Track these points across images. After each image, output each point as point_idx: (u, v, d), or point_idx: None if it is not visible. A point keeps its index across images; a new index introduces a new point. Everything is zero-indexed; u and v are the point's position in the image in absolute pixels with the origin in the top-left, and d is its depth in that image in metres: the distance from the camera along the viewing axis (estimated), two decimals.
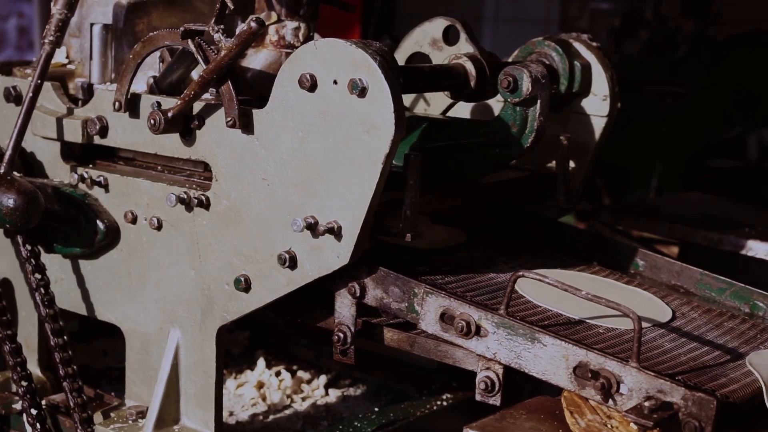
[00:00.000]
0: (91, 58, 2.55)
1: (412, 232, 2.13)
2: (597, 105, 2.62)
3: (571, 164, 2.66)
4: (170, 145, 2.32)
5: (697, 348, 2.12)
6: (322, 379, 3.07)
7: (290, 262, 2.16)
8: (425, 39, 2.78)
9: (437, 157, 2.41)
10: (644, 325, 2.15)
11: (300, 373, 3.11)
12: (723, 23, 5.60)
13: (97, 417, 2.45)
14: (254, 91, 2.31)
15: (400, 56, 2.81)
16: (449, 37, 2.73)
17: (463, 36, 2.67)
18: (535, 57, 2.60)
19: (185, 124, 2.27)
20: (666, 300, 2.37)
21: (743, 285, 2.40)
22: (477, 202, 2.52)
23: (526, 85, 2.32)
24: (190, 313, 2.35)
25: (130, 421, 2.43)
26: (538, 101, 2.34)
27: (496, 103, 2.70)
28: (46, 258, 2.47)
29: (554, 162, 2.64)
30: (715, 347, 2.13)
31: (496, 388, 2.07)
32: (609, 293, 2.15)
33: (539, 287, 2.17)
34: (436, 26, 2.75)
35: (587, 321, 2.14)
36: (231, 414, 2.85)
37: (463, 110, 2.80)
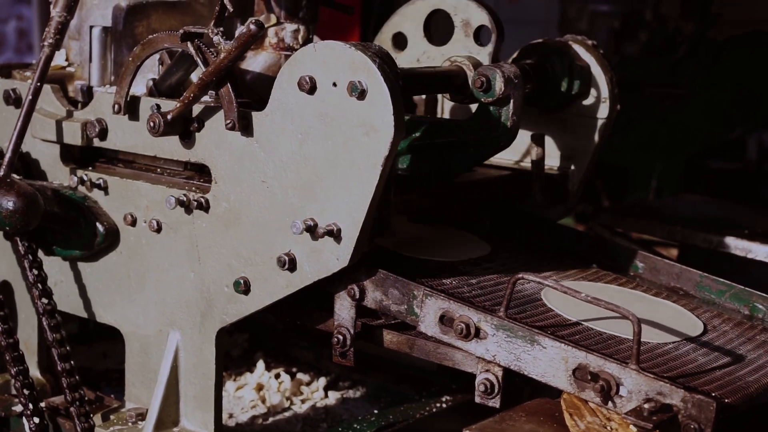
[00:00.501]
0: (90, 60, 2.55)
1: (386, 230, 2.14)
2: (596, 107, 2.62)
3: (556, 164, 2.67)
4: (170, 147, 2.32)
5: (731, 362, 2.08)
6: (322, 381, 3.07)
7: (290, 264, 2.16)
8: (460, 13, 2.67)
9: (413, 155, 2.40)
10: (675, 339, 2.13)
11: (299, 375, 3.11)
12: (723, 24, 5.60)
13: (97, 419, 2.45)
14: (253, 94, 2.31)
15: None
16: (480, 37, 2.67)
17: (490, 46, 2.62)
18: (536, 59, 2.60)
19: (184, 127, 2.27)
20: (696, 313, 2.33)
21: (743, 287, 2.39)
22: (457, 200, 2.52)
23: (498, 85, 2.33)
24: (189, 315, 2.35)
25: (130, 423, 2.43)
26: (512, 101, 2.35)
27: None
28: (45, 260, 2.47)
29: (558, 162, 2.67)
30: (749, 361, 2.10)
31: (496, 391, 2.06)
32: (638, 306, 2.14)
33: (566, 300, 2.16)
34: (478, 15, 2.65)
35: (616, 334, 2.12)
36: (230, 416, 2.86)
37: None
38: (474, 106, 2.51)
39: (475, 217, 2.72)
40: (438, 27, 2.77)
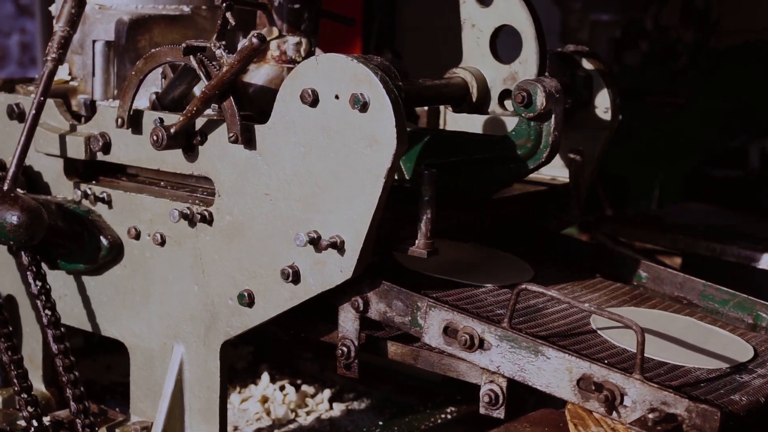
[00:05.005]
0: (93, 74, 2.56)
1: (428, 248, 2.12)
2: (598, 116, 2.62)
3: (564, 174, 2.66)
4: (173, 160, 2.33)
5: None
6: (327, 393, 3.07)
7: (293, 276, 2.17)
8: None
9: (451, 172, 2.39)
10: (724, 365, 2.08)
11: (304, 387, 3.11)
12: (723, 33, 5.60)
13: None
14: (256, 107, 2.31)
15: None
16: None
17: None
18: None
19: (188, 140, 2.28)
20: (746, 338, 2.25)
21: (746, 296, 2.39)
22: (489, 216, 2.50)
23: (540, 100, 2.29)
24: (193, 328, 2.36)
25: None
26: (553, 116, 2.32)
27: (509, 118, 2.66)
28: (50, 274, 2.47)
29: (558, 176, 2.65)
30: None
31: (500, 401, 2.07)
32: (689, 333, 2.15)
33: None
34: None
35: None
36: (236, 429, 2.85)
37: (473, 124, 2.78)
38: (509, 121, 2.48)
39: (511, 233, 2.69)
40: None
